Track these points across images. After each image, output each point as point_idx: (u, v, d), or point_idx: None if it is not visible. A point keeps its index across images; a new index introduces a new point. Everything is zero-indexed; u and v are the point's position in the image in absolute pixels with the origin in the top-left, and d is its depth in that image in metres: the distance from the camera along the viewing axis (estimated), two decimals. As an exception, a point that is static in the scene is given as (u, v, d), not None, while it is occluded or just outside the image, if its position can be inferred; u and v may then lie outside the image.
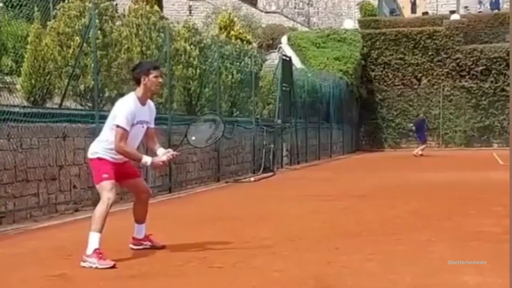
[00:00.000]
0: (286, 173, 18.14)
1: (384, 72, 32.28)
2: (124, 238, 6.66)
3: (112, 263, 5.67)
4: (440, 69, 31.57)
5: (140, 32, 12.42)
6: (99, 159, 5.96)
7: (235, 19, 30.42)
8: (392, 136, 32.38)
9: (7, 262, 6.20)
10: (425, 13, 40.40)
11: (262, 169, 17.48)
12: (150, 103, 6.25)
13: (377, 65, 32.31)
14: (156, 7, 14.68)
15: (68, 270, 5.67)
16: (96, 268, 5.61)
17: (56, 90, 10.51)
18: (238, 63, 16.85)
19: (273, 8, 42.32)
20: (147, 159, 5.97)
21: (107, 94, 11.48)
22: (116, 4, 12.05)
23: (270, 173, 17.12)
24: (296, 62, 26.67)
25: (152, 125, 6.28)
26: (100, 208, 5.87)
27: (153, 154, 6.22)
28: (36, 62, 9.88)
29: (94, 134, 10.21)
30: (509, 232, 6.39)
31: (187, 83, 14.08)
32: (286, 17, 40.68)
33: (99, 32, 10.84)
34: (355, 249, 6.49)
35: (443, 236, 7.23)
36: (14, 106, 9.13)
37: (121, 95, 11.84)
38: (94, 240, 5.73)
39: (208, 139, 6.43)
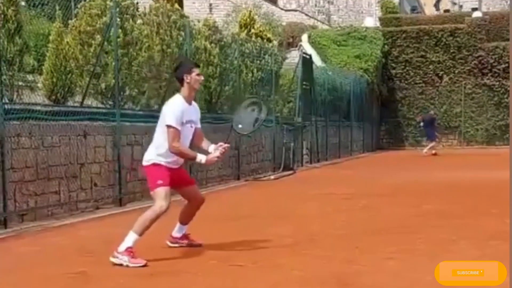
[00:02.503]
0: (306, 172, 18.10)
1: (405, 70, 32.05)
2: (149, 236, 6.68)
3: (144, 261, 5.67)
4: (462, 67, 31.27)
5: (161, 31, 12.45)
6: (154, 165, 5.97)
7: (256, 17, 30.36)
8: (413, 134, 32.12)
9: (28, 259, 6.26)
10: (447, 11, 40.10)
11: (282, 167, 17.45)
12: (194, 104, 6.29)
13: (398, 63, 32.08)
14: (176, 5, 14.70)
15: (89, 267, 5.71)
16: (127, 266, 5.60)
17: (77, 89, 10.57)
18: (258, 61, 16.83)
19: (294, 6, 42.21)
20: (201, 157, 6.01)
21: (127, 92, 11.53)
22: (137, 3, 12.06)
23: (290, 171, 17.09)
24: (317, 60, 26.56)
25: (199, 125, 6.31)
26: (149, 214, 5.88)
27: (203, 152, 6.22)
28: (57, 61, 9.95)
29: (114, 132, 10.28)
30: (509, 231, 6.31)
31: (208, 81, 14.08)
32: (307, 15, 40.55)
33: (120, 30, 10.88)
34: (375, 248, 6.46)
35: (463, 235, 7.17)
36: (36, 104, 9.22)
37: (142, 93, 11.96)
38: (130, 239, 5.74)
39: (254, 123, 6.37)
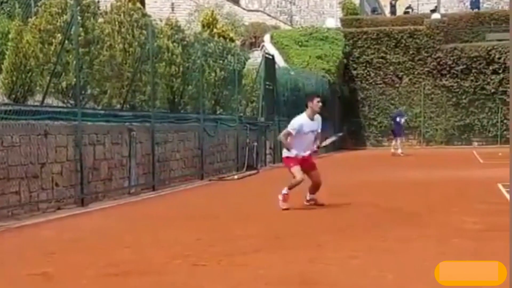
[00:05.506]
0: (270, 171, 18.14)
1: (366, 70, 32.38)
2: (109, 238, 6.63)
3: (287, 207, 9.27)
4: (421, 68, 31.73)
5: (123, 29, 12.36)
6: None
7: (218, 17, 30.34)
8: (374, 134, 32.49)
9: (-11, 260, 6.15)
10: (407, 12, 40.56)
11: (245, 167, 17.47)
12: (317, 117, 9.47)
13: (359, 64, 32.40)
14: (138, 4, 14.60)
15: (51, 268, 5.64)
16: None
17: (38, 87, 10.41)
18: (221, 61, 16.82)
19: (256, 6, 42.26)
20: (293, 151, 9.30)
21: (89, 91, 11.42)
22: (98, 1, 11.95)
23: (254, 171, 17.12)
24: (279, 60, 26.65)
25: (319, 130, 9.53)
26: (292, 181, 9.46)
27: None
28: (17, 59, 9.78)
29: (76, 131, 10.16)
30: (509, 231, 6.41)
31: (170, 81, 14.03)
32: (269, 15, 40.64)
33: (81, 29, 10.76)
34: (339, 246, 6.52)
35: (425, 233, 7.28)
36: (-5, 103, 9.05)
37: (104, 92, 11.85)
38: (285, 189, 9.45)
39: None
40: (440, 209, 9.46)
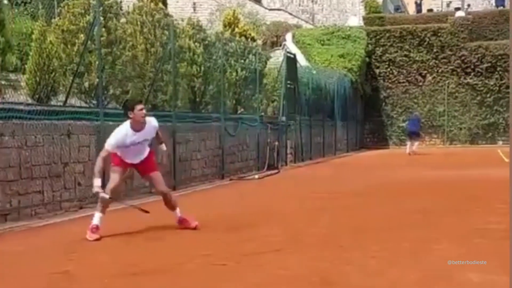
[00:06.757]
0: (291, 171, 18.13)
1: (388, 69, 32.23)
2: (130, 238, 6.66)
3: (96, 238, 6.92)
4: (445, 66, 31.50)
5: (145, 30, 12.42)
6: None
7: (240, 16, 30.37)
8: (397, 133, 32.31)
9: (12, 259, 6.22)
10: (430, 10, 40.30)
11: (266, 166, 17.47)
12: (150, 122, 7.46)
13: (382, 62, 32.25)
14: (160, 5, 14.71)
15: (72, 267, 5.68)
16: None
17: (61, 88, 10.51)
18: (242, 60, 16.84)
19: (278, 5, 42.26)
20: (96, 183, 7.06)
21: (111, 91, 11.49)
22: (121, 1, 12.02)
23: (275, 171, 17.11)
24: (301, 59, 26.62)
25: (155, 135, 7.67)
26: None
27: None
28: (40, 60, 9.88)
29: (98, 131, 10.23)
30: (509, 231, 6.37)
31: (192, 81, 14.07)
32: (291, 14, 40.62)
33: (103, 29, 10.84)
34: (359, 246, 6.49)
35: (447, 233, 7.22)
36: (19, 103, 9.15)
37: (126, 92, 11.92)
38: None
39: None
40: (463, 208, 9.38)
